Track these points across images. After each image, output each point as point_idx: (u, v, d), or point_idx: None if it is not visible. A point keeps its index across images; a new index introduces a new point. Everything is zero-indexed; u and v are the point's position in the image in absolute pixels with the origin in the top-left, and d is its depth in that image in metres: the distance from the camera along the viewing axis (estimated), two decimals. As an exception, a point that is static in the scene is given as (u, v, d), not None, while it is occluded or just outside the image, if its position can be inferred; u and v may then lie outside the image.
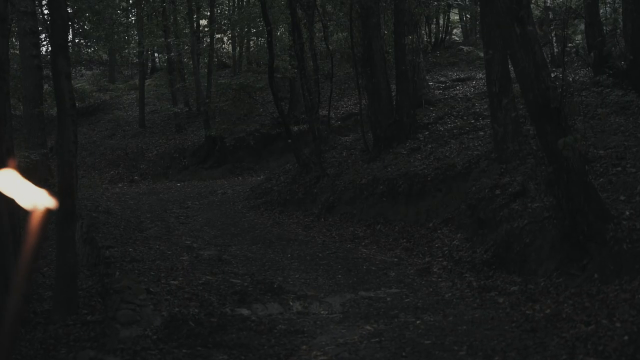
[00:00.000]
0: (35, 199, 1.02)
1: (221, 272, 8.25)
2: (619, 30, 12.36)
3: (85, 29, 25.88)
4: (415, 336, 5.59)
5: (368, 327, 5.96)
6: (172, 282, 7.41)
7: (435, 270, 8.36)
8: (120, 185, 19.94)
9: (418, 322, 6.04)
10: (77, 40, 30.04)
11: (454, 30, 28.82)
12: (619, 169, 8.11)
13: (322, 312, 6.83)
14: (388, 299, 7.15)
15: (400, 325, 5.97)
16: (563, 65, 7.42)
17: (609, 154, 8.58)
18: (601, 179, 7.92)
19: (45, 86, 19.55)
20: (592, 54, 11.45)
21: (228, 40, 29.07)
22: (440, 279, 7.96)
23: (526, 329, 5.48)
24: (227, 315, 6.38)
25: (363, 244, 10.43)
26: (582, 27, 16.15)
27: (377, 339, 5.56)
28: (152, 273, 7.81)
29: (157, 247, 9.96)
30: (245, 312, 6.59)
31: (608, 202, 7.13)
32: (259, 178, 18.09)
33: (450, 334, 5.57)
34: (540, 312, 5.81)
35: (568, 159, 6.53)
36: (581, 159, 6.83)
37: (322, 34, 17.92)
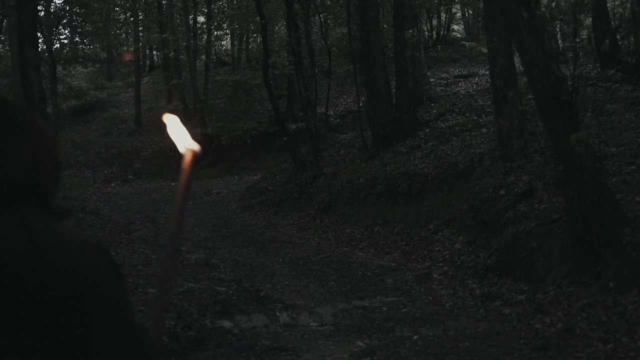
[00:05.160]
0: (187, 143, 1.08)
1: (206, 279, 7.69)
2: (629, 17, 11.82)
3: (79, 24, 25.37)
4: (411, 355, 5.01)
5: (360, 343, 5.38)
6: (150, 290, 6.84)
7: (435, 276, 7.79)
8: (112, 184, 19.41)
9: (415, 337, 5.46)
10: (76, 39, 29.58)
11: (456, 27, 28.26)
12: (633, 167, 7.52)
13: (312, 323, 6.26)
14: (384, 308, 6.59)
15: (395, 340, 5.40)
16: (575, 54, 6.85)
17: (622, 152, 7.99)
18: (614, 179, 7.33)
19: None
20: (606, 41, 10.88)
21: (226, 37, 28.54)
22: (440, 286, 7.39)
23: (536, 347, 4.89)
24: (206, 328, 5.82)
25: (360, 247, 9.88)
26: (588, 21, 15.60)
27: (368, 359, 4.99)
28: (130, 280, 7.24)
29: (142, 250, 9.41)
30: (226, 324, 6.02)
31: (623, 204, 6.56)
32: (255, 177, 17.55)
33: (451, 352, 4.99)
34: (551, 326, 5.23)
35: (580, 157, 5.96)
36: (594, 156, 6.26)
37: (320, 28, 17.36)
